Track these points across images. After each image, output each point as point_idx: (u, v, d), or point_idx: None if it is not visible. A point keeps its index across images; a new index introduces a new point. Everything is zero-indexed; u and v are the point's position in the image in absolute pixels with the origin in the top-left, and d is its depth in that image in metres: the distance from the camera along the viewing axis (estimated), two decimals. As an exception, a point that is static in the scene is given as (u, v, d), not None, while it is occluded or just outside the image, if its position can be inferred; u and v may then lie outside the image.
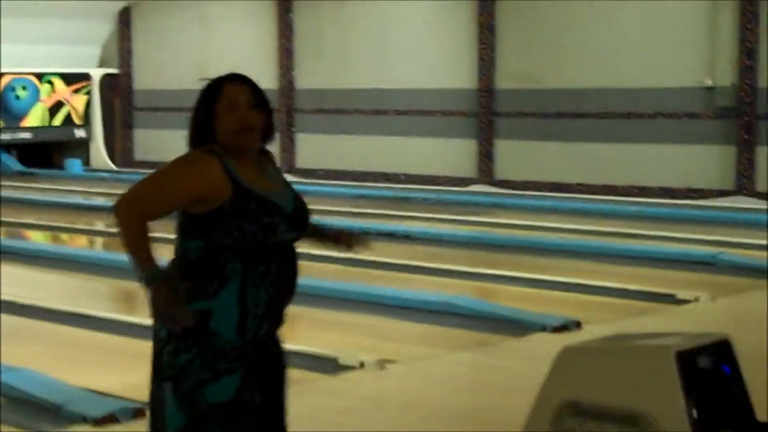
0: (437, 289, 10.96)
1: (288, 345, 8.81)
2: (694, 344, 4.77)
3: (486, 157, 21.07)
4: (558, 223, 15.45)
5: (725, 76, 18.45)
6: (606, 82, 19.42)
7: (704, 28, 18.66)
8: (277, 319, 4.17)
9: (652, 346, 4.83)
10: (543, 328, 9.02)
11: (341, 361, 8.00)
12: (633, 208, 17.15)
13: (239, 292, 3.93)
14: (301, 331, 9.45)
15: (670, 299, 10.30)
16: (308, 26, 23.55)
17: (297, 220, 4.11)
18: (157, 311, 3.93)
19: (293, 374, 7.94)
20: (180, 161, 4.02)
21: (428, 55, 21.86)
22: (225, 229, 3.91)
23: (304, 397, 7.16)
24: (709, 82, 18.56)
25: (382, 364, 7.99)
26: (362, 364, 7.93)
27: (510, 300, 10.46)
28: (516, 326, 9.16)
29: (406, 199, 19.28)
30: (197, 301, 3.92)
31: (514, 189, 19.98)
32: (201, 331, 3.93)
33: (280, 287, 4.05)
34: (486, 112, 21.08)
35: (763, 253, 12.88)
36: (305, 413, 6.89)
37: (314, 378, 7.72)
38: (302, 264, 4.17)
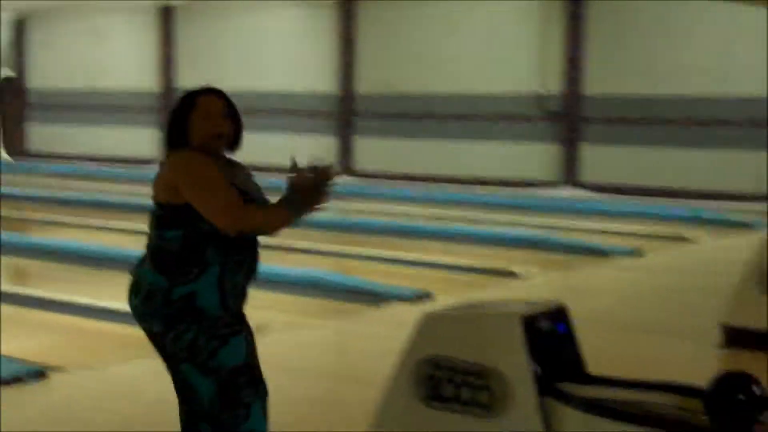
0: (305, 265, 10.96)
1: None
2: (536, 310, 4.85)
3: (346, 151, 21.13)
4: (411, 209, 15.57)
5: (554, 85, 18.80)
6: (453, 88, 19.65)
7: (536, 44, 18.98)
8: (245, 299, 4.08)
9: (500, 311, 4.90)
10: (399, 299, 9.06)
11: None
12: (475, 197, 17.36)
13: (219, 276, 3.85)
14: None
15: (508, 274, 10.45)
16: (188, 35, 23.33)
17: None
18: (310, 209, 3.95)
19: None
20: (190, 162, 3.89)
21: (295, 62, 21.85)
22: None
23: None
24: (540, 90, 18.88)
25: (259, 330, 7.96)
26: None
27: (370, 275, 10.47)
28: (375, 297, 9.19)
29: (276, 189, 19.19)
30: (181, 286, 3.81)
31: (371, 179, 20.07)
32: (191, 312, 3.83)
33: (251, 274, 3.99)
34: (346, 113, 21.15)
35: (586, 235, 13.22)
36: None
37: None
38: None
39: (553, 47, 18.78)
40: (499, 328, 4.72)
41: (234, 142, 4.05)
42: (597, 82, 18.53)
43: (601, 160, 18.37)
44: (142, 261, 3.91)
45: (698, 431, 4.24)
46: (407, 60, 20.15)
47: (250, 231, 3.87)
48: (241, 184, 3.95)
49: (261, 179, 4.21)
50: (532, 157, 18.95)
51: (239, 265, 3.91)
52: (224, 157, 4.02)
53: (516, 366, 4.62)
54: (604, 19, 18.33)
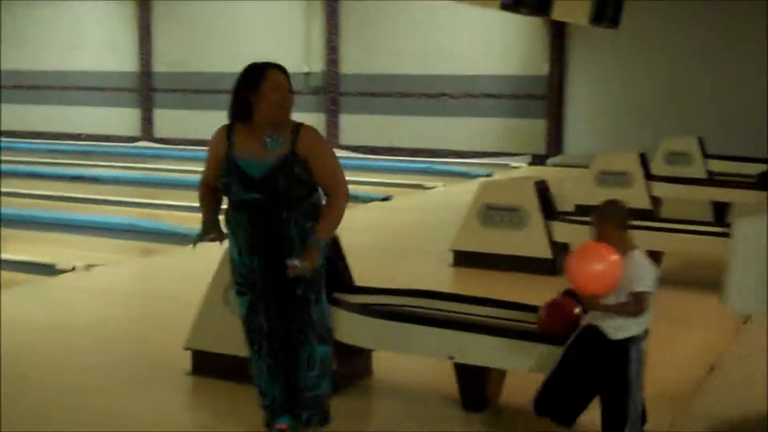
0: (122, 214, 10.90)
1: (18, 256, 8.53)
2: None
3: (147, 121, 20.82)
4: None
5: (317, 64, 19.05)
6: (233, 67, 19.45)
7: (302, 31, 19.17)
8: (269, 260, 3.81)
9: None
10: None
11: (58, 266, 7.93)
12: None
13: (232, 233, 3.85)
14: (27, 245, 9.24)
15: None
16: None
17: (261, 185, 3.74)
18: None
19: (18, 278, 7.76)
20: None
21: (101, 46, 21.28)
22: None
23: (29, 293, 7.10)
24: (306, 69, 19.10)
25: (88, 267, 7.95)
26: (74, 268, 7.88)
27: (176, 220, 10.44)
28: (182, 238, 9.11)
29: (89, 153, 18.74)
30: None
31: (171, 144, 19.87)
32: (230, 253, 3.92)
33: (252, 235, 3.78)
34: (146, 89, 20.80)
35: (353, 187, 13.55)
36: (32, 305, 6.81)
37: (36, 279, 7.61)
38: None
39: (315, 35, 19.01)
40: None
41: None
42: (352, 63, 18.90)
43: (357, 126, 18.81)
44: None
45: (437, 323, 4.69)
46: (197, 45, 19.97)
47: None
48: (245, 155, 3.76)
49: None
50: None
51: (238, 224, 3.80)
52: (273, 127, 3.80)
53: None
54: (358, 9, 18.70)
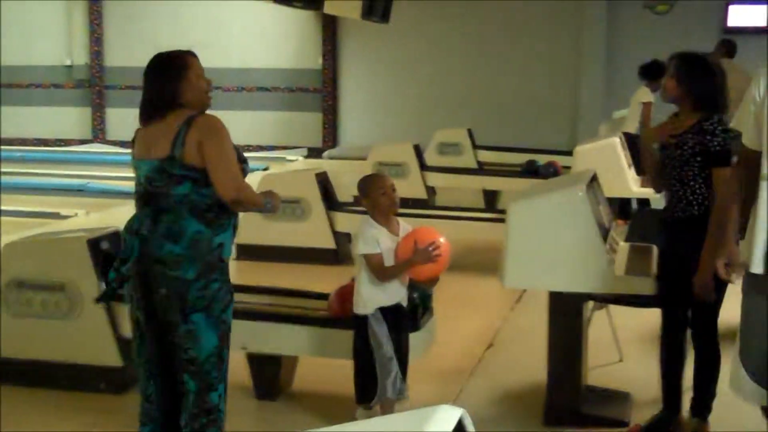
0: None
1: None
2: (97, 234, 5.08)
3: None
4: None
5: (81, 57, 18.48)
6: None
7: (63, 22, 18.52)
8: None
9: (71, 236, 5.09)
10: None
11: None
12: (17, 155, 16.61)
13: (233, 225, 3.56)
14: None
15: (57, 216, 10.27)
16: None
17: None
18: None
19: None
20: (221, 127, 3.54)
21: None
22: None
23: None
24: (69, 62, 18.48)
25: None
26: None
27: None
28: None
29: None
30: (220, 234, 3.48)
31: None
32: (219, 261, 3.47)
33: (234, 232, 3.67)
34: None
35: (118, 182, 13.22)
36: None
37: None
38: None
39: (78, 26, 18.41)
40: (71, 249, 4.91)
41: None
42: (117, 55, 18.43)
43: (124, 120, 18.31)
44: (166, 214, 3.52)
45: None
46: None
47: (241, 206, 3.51)
48: None
49: None
50: (65, 118, 18.54)
51: (228, 228, 3.55)
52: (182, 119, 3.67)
53: (84, 278, 4.83)
54: (120, 2, 18.28)
